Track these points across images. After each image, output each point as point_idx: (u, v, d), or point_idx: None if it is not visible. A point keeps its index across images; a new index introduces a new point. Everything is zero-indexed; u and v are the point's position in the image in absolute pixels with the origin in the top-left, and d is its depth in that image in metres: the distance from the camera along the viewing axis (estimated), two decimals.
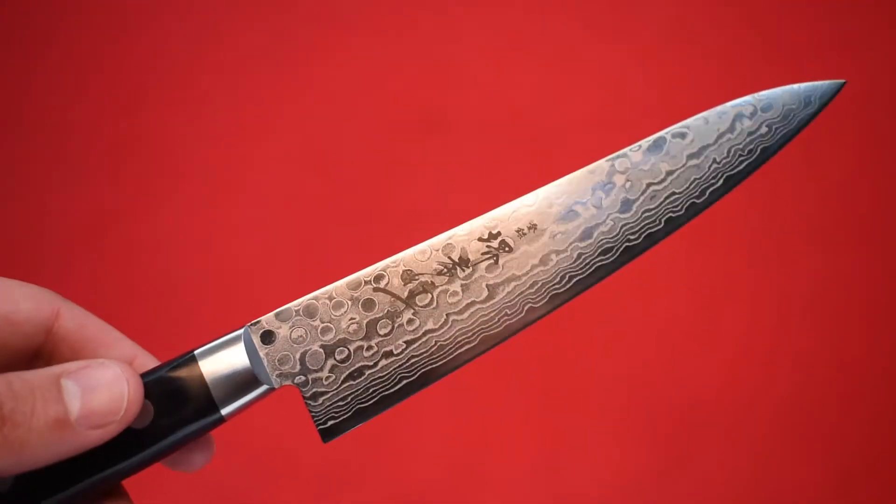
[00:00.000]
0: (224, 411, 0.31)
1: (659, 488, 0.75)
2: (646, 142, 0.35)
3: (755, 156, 0.36)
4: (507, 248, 0.34)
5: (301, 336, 0.32)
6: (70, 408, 0.27)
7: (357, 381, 0.32)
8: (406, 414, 0.77)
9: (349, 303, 0.33)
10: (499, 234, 0.34)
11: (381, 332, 0.32)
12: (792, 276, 0.81)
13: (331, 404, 0.32)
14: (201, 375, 0.31)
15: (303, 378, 0.32)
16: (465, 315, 0.33)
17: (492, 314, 0.33)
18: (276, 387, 0.32)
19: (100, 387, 0.28)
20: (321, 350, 0.32)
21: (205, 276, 0.82)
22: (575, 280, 0.34)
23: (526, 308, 0.34)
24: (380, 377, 0.32)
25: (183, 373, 0.31)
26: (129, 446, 0.29)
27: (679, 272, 0.81)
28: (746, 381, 0.78)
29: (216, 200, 0.85)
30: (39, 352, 0.31)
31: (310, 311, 0.32)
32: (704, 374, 0.78)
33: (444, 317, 0.33)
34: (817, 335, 0.79)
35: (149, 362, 0.32)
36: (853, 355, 0.78)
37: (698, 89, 0.87)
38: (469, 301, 0.33)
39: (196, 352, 0.31)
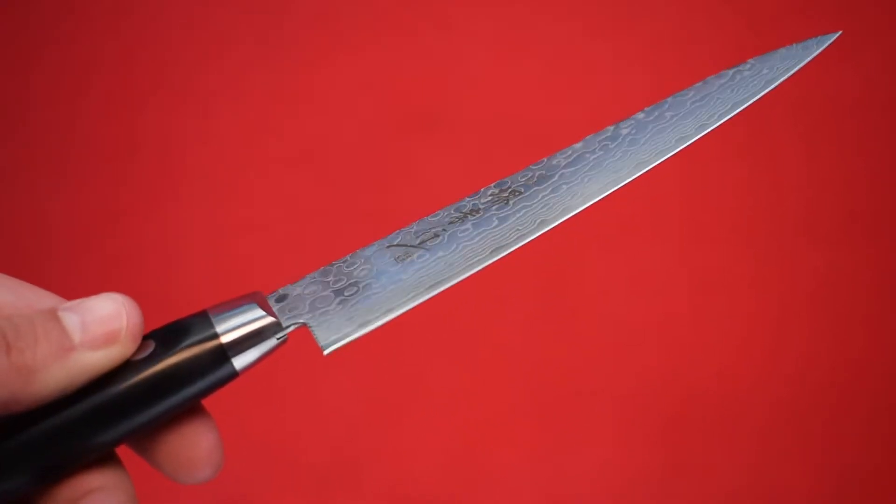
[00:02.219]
0: (234, 360, 0.30)
1: (659, 486, 0.75)
2: (648, 108, 0.39)
3: (760, 84, 0.39)
4: (517, 193, 0.36)
5: (314, 290, 0.33)
6: (71, 333, 0.28)
7: (366, 302, 0.33)
8: (406, 414, 0.77)
9: (362, 260, 0.34)
10: (508, 186, 0.36)
11: (393, 269, 0.34)
12: (792, 274, 0.81)
13: (337, 325, 0.32)
14: (209, 319, 0.30)
15: (311, 314, 0.32)
16: (476, 240, 0.34)
17: (503, 233, 0.34)
18: (285, 326, 0.31)
19: (97, 311, 0.28)
20: (332, 294, 0.33)
21: (206, 276, 0.82)
22: (587, 194, 0.36)
23: (538, 222, 0.35)
24: (387, 296, 0.33)
25: (192, 320, 0.31)
26: (127, 377, 0.29)
27: (678, 270, 0.81)
28: (746, 378, 0.78)
29: (216, 201, 0.85)
30: None
31: (324, 273, 0.34)
32: (704, 372, 0.78)
33: (455, 244, 0.34)
34: (817, 333, 0.79)
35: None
36: (853, 353, 0.78)
37: None
38: (480, 230, 0.34)
39: (209, 309, 0.31)
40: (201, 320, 0.30)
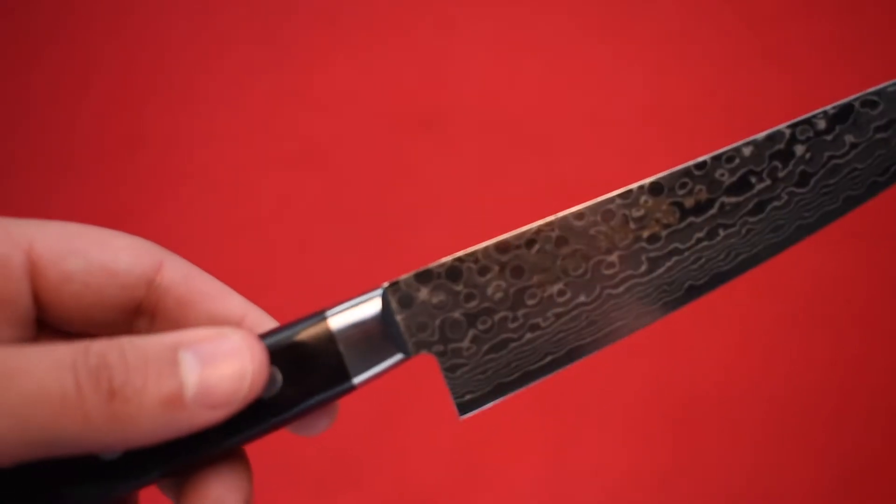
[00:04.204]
0: (356, 380, 0.28)
1: (660, 487, 0.75)
2: (831, 108, 0.31)
3: None
4: (672, 217, 0.30)
5: (442, 302, 0.29)
6: (186, 383, 0.24)
7: (500, 353, 0.29)
8: (406, 413, 0.77)
9: (496, 268, 0.29)
10: (665, 199, 0.30)
11: (529, 303, 0.29)
12: (792, 275, 0.81)
13: (470, 377, 0.30)
14: (333, 340, 0.28)
15: (441, 347, 0.29)
16: (621, 289, 0.30)
17: (649, 290, 0.30)
18: (411, 355, 0.29)
19: (220, 361, 0.25)
20: (463, 318, 0.29)
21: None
22: (741, 258, 0.30)
23: (686, 286, 0.30)
24: (524, 351, 0.30)
25: (312, 337, 0.28)
26: (250, 417, 0.27)
27: None
28: (747, 380, 0.78)
29: (217, 201, 0.85)
30: (141, 307, 0.29)
31: (453, 274, 0.29)
32: (704, 373, 0.78)
33: (598, 289, 0.30)
34: (817, 334, 0.79)
35: (261, 319, 0.29)
36: (853, 353, 0.78)
37: (698, 89, 0.87)
38: (626, 274, 0.30)
39: (327, 312, 0.28)
40: (330, 353, 0.28)
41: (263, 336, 0.28)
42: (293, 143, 0.87)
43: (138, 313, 0.29)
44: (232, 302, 0.29)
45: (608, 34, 0.91)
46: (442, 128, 0.87)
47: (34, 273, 0.27)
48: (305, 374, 0.28)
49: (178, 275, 0.29)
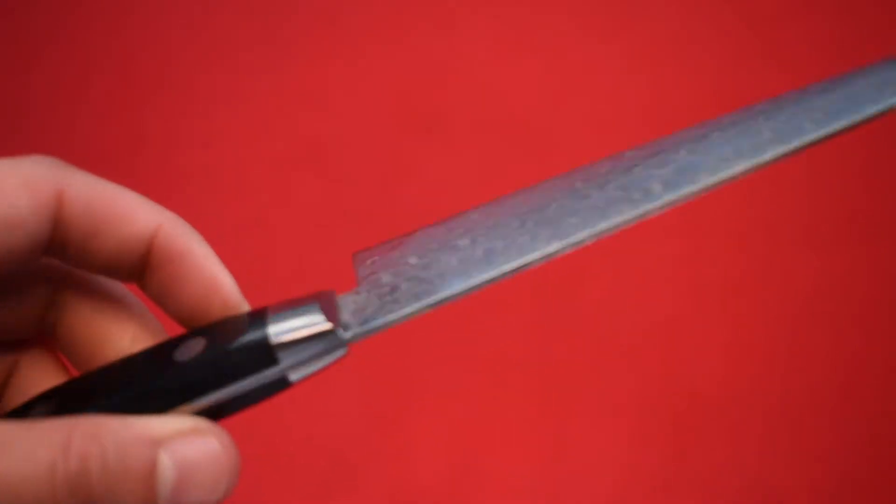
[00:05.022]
0: (274, 340, 0.27)
1: (660, 487, 0.75)
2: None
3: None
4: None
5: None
6: (160, 490, 0.24)
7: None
8: (406, 413, 0.77)
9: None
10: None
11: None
12: (791, 275, 0.81)
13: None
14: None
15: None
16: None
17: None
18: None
19: (197, 476, 0.25)
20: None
21: None
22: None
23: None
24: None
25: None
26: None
27: (678, 271, 0.81)
28: (747, 380, 0.78)
29: (217, 201, 0.85)
30: (50, 244, 0.27)
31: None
32: (704, 373, 0.78)
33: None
34: (817, 334, 0.79)
35: (177, 227, 0.29)
36: (853, 353, 0.78)
37: (698, 89, 0.87)
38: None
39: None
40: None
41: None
42: (293, 143, 0.87)
43: (47, 251, 0.27)
44: (139, 224, 0.27)
45: (608, 34, 0.91)
46: (442, 128, 0.87)
47: None
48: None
49: (81, 204, 0.27)
